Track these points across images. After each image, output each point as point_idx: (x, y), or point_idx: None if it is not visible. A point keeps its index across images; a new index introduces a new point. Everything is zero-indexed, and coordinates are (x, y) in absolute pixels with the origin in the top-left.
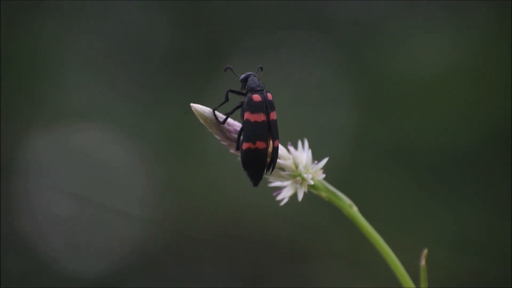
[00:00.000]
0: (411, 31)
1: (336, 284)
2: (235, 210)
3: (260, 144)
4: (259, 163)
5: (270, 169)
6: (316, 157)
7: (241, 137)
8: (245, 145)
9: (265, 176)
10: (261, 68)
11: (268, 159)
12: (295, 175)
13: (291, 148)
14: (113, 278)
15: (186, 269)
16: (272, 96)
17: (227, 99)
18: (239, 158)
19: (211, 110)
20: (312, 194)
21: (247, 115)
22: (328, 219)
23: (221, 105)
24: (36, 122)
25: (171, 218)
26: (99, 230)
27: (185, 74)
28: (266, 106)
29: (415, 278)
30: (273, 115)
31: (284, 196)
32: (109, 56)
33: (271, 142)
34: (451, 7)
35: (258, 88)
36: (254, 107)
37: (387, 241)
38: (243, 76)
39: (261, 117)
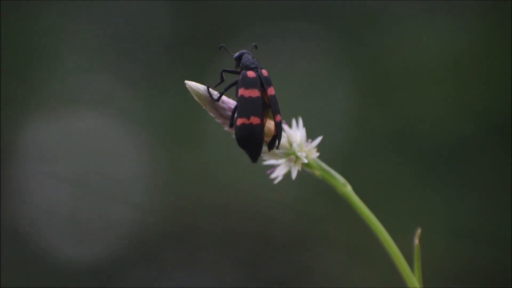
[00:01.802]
0: (411, 18)
1: (334, 272)
2: (234, 198)
3: (255, 120)
4: (254, 139)
5: (276, 145)
6: (317, 145)
7: (236, 113)
8: (239, 121)
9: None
10: (256, 46)
11: (267, 138)
12: (289, 154)
13: (285, 127)
14: (112, 266)
15: (185, 257)
16: (268, 72)
17: (222, 79)
18: (234, 136)
19: (205, 87)
20: (310, 183)
21: (241, 91)
22: (326, 206)
23: (217, 85)
24: (36, 109)
25: (171, 206)
26: (99, 218)
27: (187, 60)
28: (261, 83)
29: (410, 260)
30: (271, 91)
31: (278, 174)
32: (110, 42)
33: (267, 119)
34: None
35: (253, 66)
36: (248, 83)
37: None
38: (237, 54)
39: (255, 93)
